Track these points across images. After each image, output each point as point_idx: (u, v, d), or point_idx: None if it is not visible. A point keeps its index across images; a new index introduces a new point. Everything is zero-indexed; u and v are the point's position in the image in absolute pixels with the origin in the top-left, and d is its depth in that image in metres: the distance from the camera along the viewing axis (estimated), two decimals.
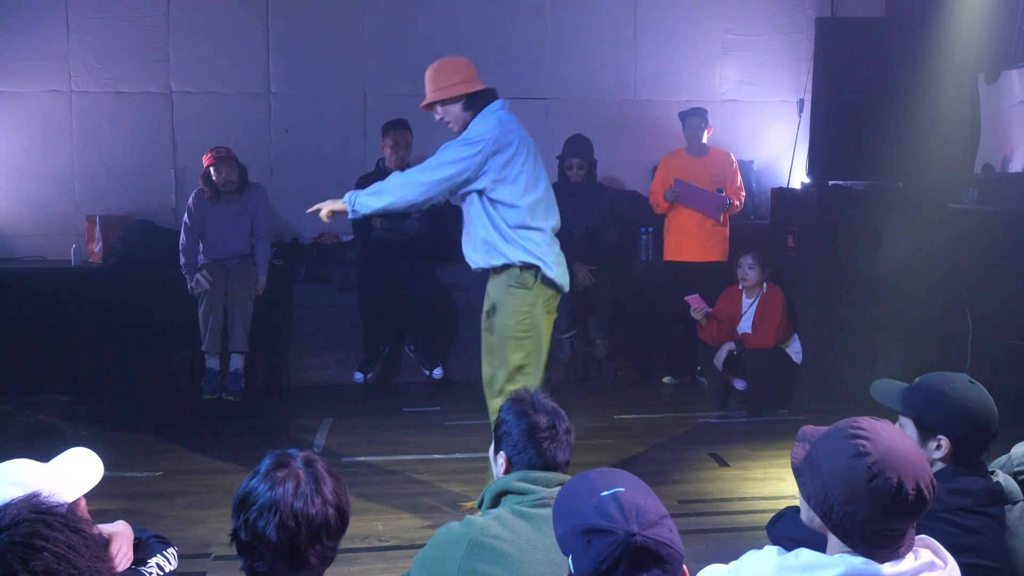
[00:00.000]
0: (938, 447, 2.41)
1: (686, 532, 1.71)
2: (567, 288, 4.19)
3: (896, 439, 1.81)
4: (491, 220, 4.02)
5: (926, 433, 2.44)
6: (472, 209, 4.07)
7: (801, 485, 1.91)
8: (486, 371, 4.18)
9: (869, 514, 1.76)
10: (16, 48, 6.69)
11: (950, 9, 6.06)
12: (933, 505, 2.23)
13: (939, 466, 2.43)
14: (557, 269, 4.09)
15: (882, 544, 1.78)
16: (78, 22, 6.78)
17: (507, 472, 2.35)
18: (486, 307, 4.19)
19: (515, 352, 4.05)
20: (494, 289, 4.16)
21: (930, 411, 2.43)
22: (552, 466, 2.30)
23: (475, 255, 4.14)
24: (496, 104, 4.08)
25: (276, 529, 1.81)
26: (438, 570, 2.20)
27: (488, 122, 4.00)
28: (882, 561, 1.77)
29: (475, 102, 4.06)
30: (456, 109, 4.06)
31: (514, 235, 4.01)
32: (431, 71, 4.10)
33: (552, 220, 4.13)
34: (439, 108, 4.07)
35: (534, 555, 2.14)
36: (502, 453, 2.37)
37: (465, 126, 4.05)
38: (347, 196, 4.02)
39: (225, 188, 6.03)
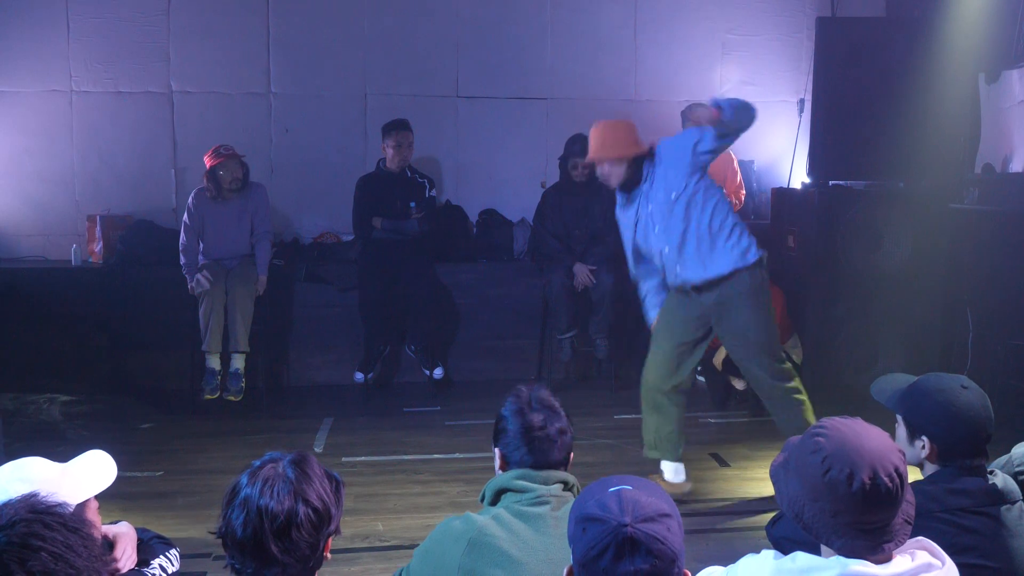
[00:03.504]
0: (923, 447, 2.45)
1: (686, 532, 1.72)
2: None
3: (854, 433, 1.82)
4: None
5: (912, 432, 2.48)
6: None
7: (776, 491, 1.93)
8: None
9: (835, 508, 1.77)
10: (16, 48, 6.69)
11: (950, 9, 6.05)
12: (931, 505, 2.25)
13: (931, 467, 2.45)
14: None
15: (859, 537, 1.77)
16: (78, 22, 6.78)
17: (502, 468, 2.37)
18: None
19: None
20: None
21: (916, 411, 2.46)
22: (545, 464, 2.30)
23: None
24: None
25: (242, 525, 1.82)
26: (438, 566, 2.22)
27: None
28: (864, 556, 1.77)
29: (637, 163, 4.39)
30: (621, 169, 4.40)
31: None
32: (605, 129, 4.51)
33: None
34: (606, 165, 4.41)
35: (533, 555, 2.15)
36: (497, 449, 2.39)
37: (620, 181, 4.41)
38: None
39: (231, 187, 6.03)
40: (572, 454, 2.40)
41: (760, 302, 4.37)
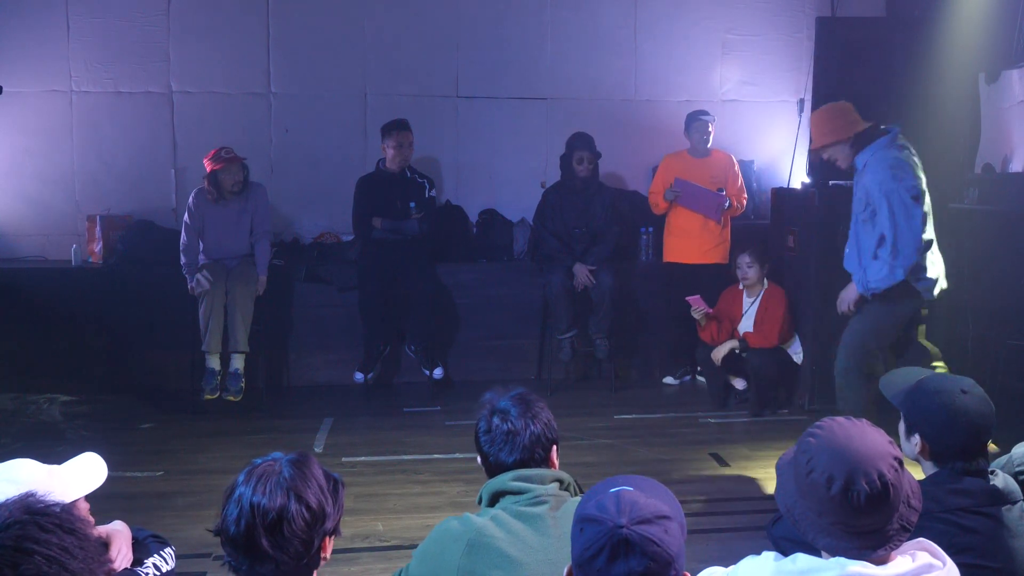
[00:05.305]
0: (916, 444, 2.48)
1: (687, 532, 1.72)
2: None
3: (845, 435, 1.79)
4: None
5: (908, 428, 2.52)
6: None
7: (776, 485, 1.93)
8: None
9: (818, 509, 1.77)
10: (16, 48, 6.68)
11: (950, 9, 6.05)
12: (932, 505, 2.25)
13: (930, 466, 2.47)
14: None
15: (843, 539, 1.75)
16: (78, 22, 6.78)
17: (486, 471, 2.39)
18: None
19: None
20: None
21: (914, 409, 2.50)
22: (519, 463, 2.31)
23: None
24: (883, 140, 4.50)
25: (234, 520, 1.84)
26: (436, 566, 2.22)
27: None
28: (857, 558, 1.75)
29: (860, 140, 4.52)
30: (845, 148, 4.56)
31: None
32: (821, 115, 4.68)
33: None
34: (828, 151, 4.60)
35: (532, 555, 2.15)
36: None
37: (848, 163, 4.58)
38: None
39: (232, 189, 6.04)
40: (556, 446, 2.39)
41: (871, 311, 4.63)
